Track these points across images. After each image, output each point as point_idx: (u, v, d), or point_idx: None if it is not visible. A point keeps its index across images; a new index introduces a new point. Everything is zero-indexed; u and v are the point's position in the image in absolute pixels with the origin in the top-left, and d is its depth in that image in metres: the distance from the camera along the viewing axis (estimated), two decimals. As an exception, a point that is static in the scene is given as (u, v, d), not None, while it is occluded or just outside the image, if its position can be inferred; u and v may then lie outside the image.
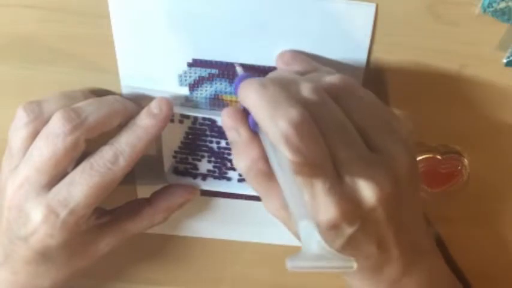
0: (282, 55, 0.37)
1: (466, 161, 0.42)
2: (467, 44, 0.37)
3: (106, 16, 0.37)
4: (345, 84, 0.33)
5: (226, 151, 0.42)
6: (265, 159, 0.34)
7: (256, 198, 0.45)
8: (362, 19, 0.36)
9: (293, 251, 0.51)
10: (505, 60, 0.37)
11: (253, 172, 0.34)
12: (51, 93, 0.38)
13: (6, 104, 0.40)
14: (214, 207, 0.47)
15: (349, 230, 0.32)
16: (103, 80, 0.40)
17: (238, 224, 0.48)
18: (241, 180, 0.43)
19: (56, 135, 0.35)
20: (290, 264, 0.28)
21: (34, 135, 0.36)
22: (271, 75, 0.35)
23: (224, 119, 0.35)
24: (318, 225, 0.31)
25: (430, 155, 0.41)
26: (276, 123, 0.30)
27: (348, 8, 0.36)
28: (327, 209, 0.31)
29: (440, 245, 0.46)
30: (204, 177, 0.43)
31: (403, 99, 0.40)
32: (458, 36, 0.37)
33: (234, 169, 0.43)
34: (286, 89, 0.31)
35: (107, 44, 0.38)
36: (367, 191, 0.32)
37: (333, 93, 0.33)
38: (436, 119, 0.40)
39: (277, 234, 0.48)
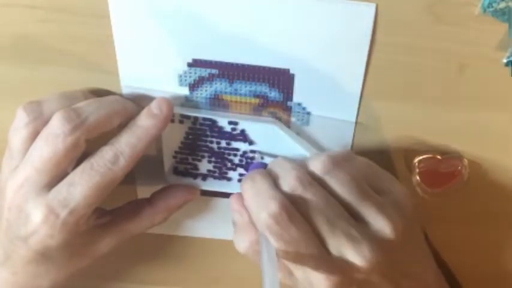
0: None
1: (466, 161, 0.42)
2: (467, 44, 0.37)
3: (106, 16, 0.37)
4: (327, 164, 0.36)
5: (227, 151, 0.42)
6: None
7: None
8: (362, 19, 0.36)
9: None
10: (505, 60, 0.37)
11: (251, 252, 0.37)
12: (51, 93, 0.38)
13: (6, 104, 0.40)
14: (214, 207, 0.47)
15: None
16: (103, 80, 0.40)
17: (238, 224, 0.48)
18: (241, 180, 0.43)
19: (56, 135, 0.35)
20: None
21: (34, 135, 0.36)
22: (272, 163, 0.38)
23: (231, 202, 0.38)
24: None
25: (430, 155, 0.41)
26: (260, 215, 0.34)
27: (348, 8, 0.36)
28: (320, 283, 0.34)
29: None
30: (204, 177, 0.43)
31: (403, 99, 0.40)
32: (458, 36, 0.37)
33: (234, 169, 0.43)
34: (270, 181, 0.36)
35: (107, 44, 0.38)
36: (356, 262, 0.34)
37: (316, 175, 0.36)
38: (436, 119, 0.40)
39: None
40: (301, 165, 0.37)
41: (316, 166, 0.36)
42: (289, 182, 0.35)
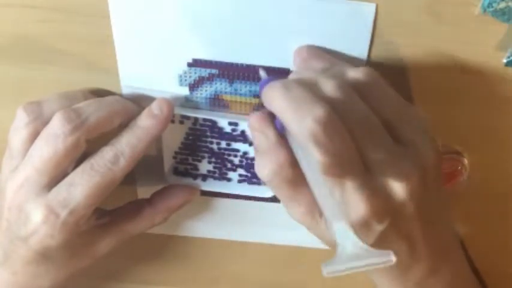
0: (299, 52, 0.37)
1: (466, 161, 0.42)
2: (467, 44, 0.37)
3: (106, 16, 0.37)
4: (368, 78, 0.33)
5: (226, 152, 0.42)
6: (292, 164, 0.33)
7: (256, 199, 0.45)
8: (362, 19, 0.36)
9: (293, 251, 0.51)
10: (505, 60, 0.37)
11: (279, 178, 0.33)
12: (51, 94, 0.38)
13: (6, 104, 0.40)
14: (214, 207, 0.47)
15: (379, 227, 0.32)
16: (103, 80, 0.40)
17: (238, 224, 0.48)
18: (241, 181, 0.43)
19: (56, 135, 0.35)
20: (326, 269, 0.28)
21: (34, 135, 0.36)
22: (292, 76, 0.35)
23: (252, 122, 0.35)
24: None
25: (430, 155, 0.41)
26: (303, 123, 0.29)
27: (348, 8, 0.36)
28: (357, 206, 0.31)
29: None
30: (204, 177, 0.43)
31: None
32: (458, 36, 0.37)
33: (234, 170, 0.43)
34: (310, 88, 0.31)
35: (107, 44, 0.38)
36: (396, 186, 0.31)
37: (357, 88, 0.32)
38: (436, 119, 0.40)
39: (277, 234, 0.48)
40: (339, 72, 0.33)
41: (357, 76, 0.33)
42: (329, 90, 0.31)
